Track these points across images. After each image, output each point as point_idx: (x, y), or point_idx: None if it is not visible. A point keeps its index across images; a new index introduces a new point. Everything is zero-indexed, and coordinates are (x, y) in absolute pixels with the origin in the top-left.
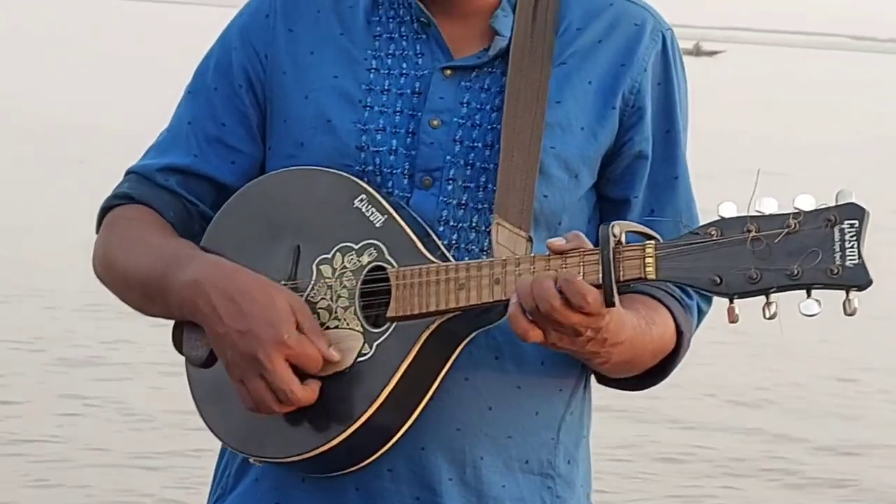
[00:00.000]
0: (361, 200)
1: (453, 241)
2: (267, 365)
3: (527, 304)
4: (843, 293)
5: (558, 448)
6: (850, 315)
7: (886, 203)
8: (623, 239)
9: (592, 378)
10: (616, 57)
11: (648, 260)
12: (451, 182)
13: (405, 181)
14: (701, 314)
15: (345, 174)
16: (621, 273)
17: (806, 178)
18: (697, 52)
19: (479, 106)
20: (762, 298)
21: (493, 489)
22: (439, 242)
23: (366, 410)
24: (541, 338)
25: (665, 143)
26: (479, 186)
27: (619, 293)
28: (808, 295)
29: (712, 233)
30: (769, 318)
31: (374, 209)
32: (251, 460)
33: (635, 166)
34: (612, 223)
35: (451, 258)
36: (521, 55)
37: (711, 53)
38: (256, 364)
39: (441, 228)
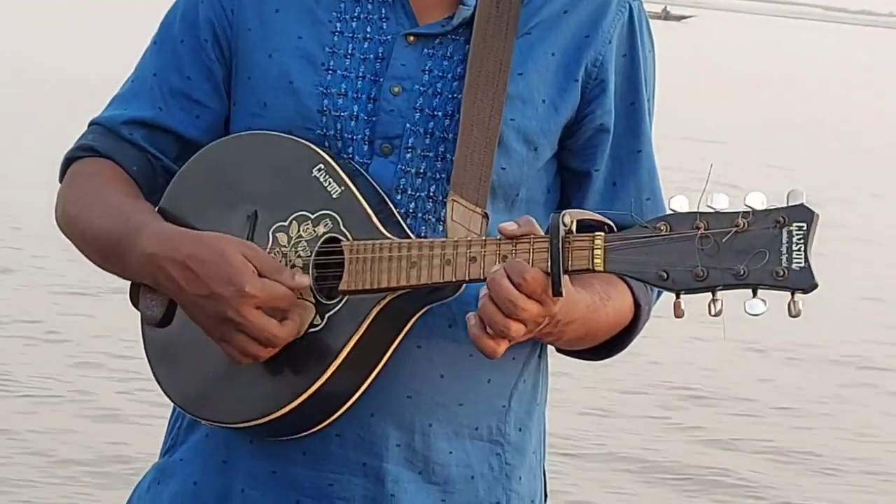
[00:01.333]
0: (320, 170)
1: (410, 210)
2: (239, 320)
3: (490, 315)
4: (788, 294)
5: (509, 415)
6: (794, 317)
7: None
8: (574, 228)
9: (550, 347)
10: (580, 28)
11: (597, 252)
12: (409, 150)
13: (365, 147)
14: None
15: (304, 141)
16: (570, 263)
17: (762, 157)
18: (666, 16)
19: (440, 74)
20: (708, 295)
21: (440, 455)
22: (396, 212)
23: (314, 382)
24: (507, 345)
25: (629, 116)
26: (437, 156)
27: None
28: (754, 294)
29: (661, 228)
30: (714, 315)
31: (331, 179)
32: (203, 423)
33: (597, 139)
34: (564, 212)
35: (406, 228)
36: (486, 25)
37: (680, 18)
38: (230, 322)
39: (398, 197)
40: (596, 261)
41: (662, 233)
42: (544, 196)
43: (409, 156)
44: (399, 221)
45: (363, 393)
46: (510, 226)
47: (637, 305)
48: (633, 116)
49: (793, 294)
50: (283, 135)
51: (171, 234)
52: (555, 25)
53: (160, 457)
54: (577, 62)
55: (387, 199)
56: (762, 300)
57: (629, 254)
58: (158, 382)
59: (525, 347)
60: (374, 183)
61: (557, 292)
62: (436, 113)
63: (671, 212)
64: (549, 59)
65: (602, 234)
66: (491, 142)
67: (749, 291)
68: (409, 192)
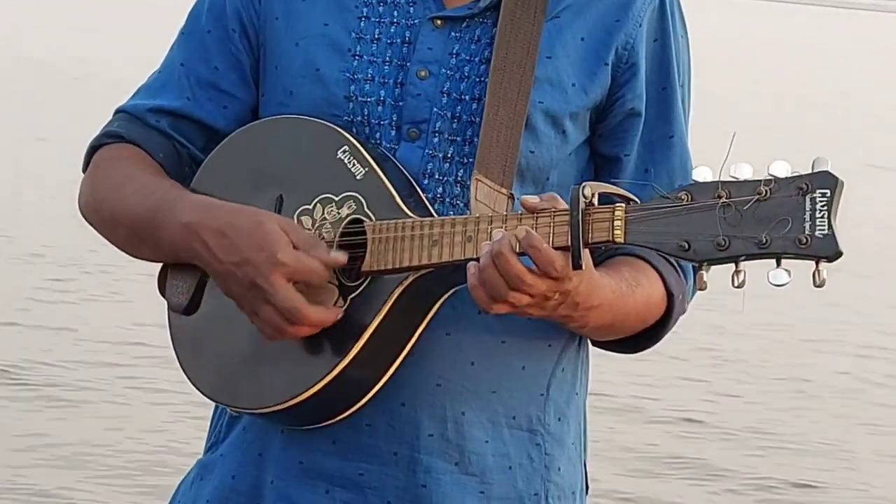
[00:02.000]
0: (344, 152)
1: (438, 195)
2: (267, 288)
3: (492, 283)
4: (812, 263)
5: (548, 404)
6: (818, 286)
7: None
8: (596, 200)
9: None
10: (611, 12)
11: (617, 223)
12: (436, 135)
13: (392, 132)
14: (695, 276)
15: (330, 124)
16: (590, 236)
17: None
18: None
19: (468, 58)
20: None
21: (476, 444)
22: (423, 196)
23: (336, 365)
24: (506, 310)
25: (660, 101)
26: (465, 140)
27: (594, 255)
28: (778, 264)
29: (682, 197)
30: (737, 287)
31: (355, 161)
32: (229, 410)
33: (627, 124)
34: (584, 184)
35: (433, 212)
36: (514, 7)
37: None
38: (259, 291)
39: (426, 181)
40: (616, 232)
41: (683, 202)
42: (577, 182)
43: (436, 140)
44: (426, 205)
45: (390, 380)
46: (532, 199)
47: (669, 295)
48: (665, 102)
49: (817, 263)
50: (308, 118)
51: (208, 203)
52: (584, 9)
53: (203, 454)
54: (606, 46)
55: (414, 184)
56: (786, 270)
57: (650, 225)
58: (183, 370)
59: (562, 335)
60: (401, 167)
61: (577, 265)
62: (463, 97)
63: (692, 182)
64: (578, 43)
65: (623, 205)
66: (518, 124)
67: (774, 262)
68: (437, 176)
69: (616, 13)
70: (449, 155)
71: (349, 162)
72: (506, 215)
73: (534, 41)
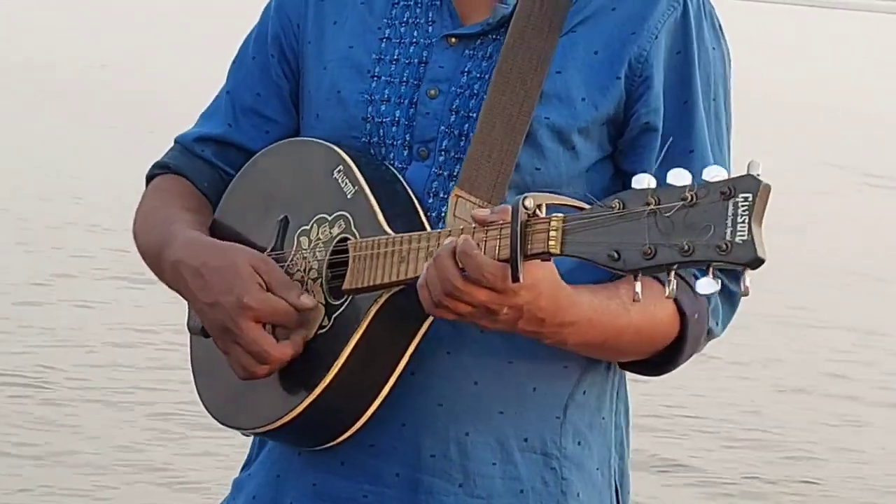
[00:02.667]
0: (339, 171)
1: (443, 214)
2: (235, 331)
3: (431, 284)
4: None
5: (565, 428)
6: (743, 295)
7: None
8: (542, 212)
9: None
10: (626, 24)
11: (553, 234)
12: (443, 153)
13: (405, 152)
14: (731, 295)
15: (329, 144)
16: (529, 247)
17: None
18: None
19: (478, 75)
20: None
21: (482, 466)
22: (422, 215)
23: (319, 384)
24: (450, 315)
25: (681, 115)
26: None
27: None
28: (706, 272)
29: (614, 205)
30: (667, 298)
31: (347, 180)
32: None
33: (643, 139)
34: (526, 195)
35: (429, 231)
36: (525, 22)
37: None
38: (229, 333)
39: (430, 200)
40: (551, 243)
41: (615, 211)
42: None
43: (442, 158)
44: (422, 223)
45: (388, 399)
46: (482, 212)
47: (682, 314)
48: (686, 116)
49: (743, 270)
50: (311, 139)
51: (195, 242)
52: (600, 22)
53: (239, 472)
54: (620, 59)
55: (416, 203)
56: (716, 279)
57: (585, 235)
58: (197, 391)
59: (581, 358)
60: (406, 186)
61: (515, 278)
62: (471, 114)
63: (631, 189)
64: (591, 57)
65: (561, 215)
66: (515, 140)
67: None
68: (442, 195)
69: (632, 25)
70: (455, 173)
71: (342, 181)
72: (462, 228)
73: (544, 57)
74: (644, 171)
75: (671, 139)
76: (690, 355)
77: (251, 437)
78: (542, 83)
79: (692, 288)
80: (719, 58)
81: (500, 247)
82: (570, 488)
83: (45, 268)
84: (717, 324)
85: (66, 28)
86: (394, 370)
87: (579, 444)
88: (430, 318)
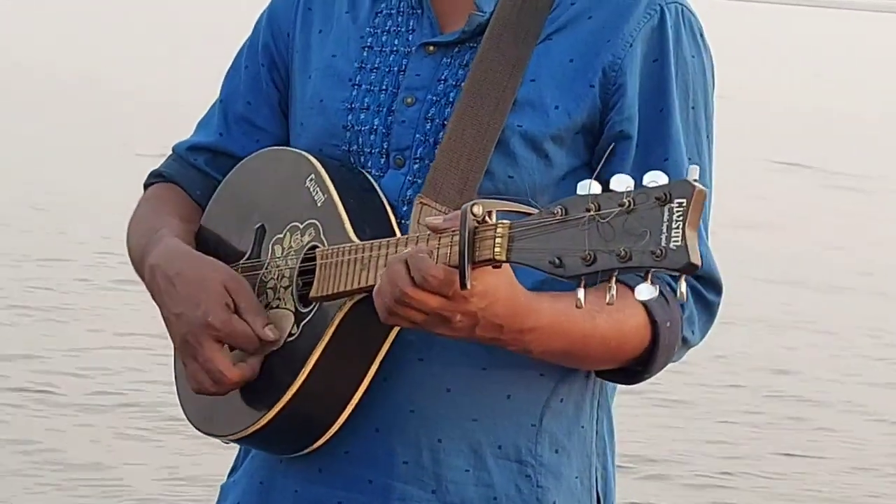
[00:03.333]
0: (311, 180)
1: None
2: (195, 346)
3: (383, 291)
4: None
5: (541, 435)
6: (679, 301)
7: None
8: (492, 218)
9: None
10: (602, 32)
11: (499, 240)
12: (417, 161)
13: (382, 160)
14: (708, 304)
15: (301, 152)
16: (476, 254)
17: None
18: None
19: (454, 83)
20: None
21: (455, 473)
22: (394, 223)
23: (288, 390)
24: (404, 323)
25: (657, 123)
26: None
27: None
28: (645, 278)
29: (556, 212)
30: (608, 304)
31: (318, 188)
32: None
33: (618, 147)
34: (475, 201)
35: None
36: (502, 31)
37: None
38: (188, 346)
39: (405, 208)
40: (497, 250)
41: (557, 217)
42: None
43: (416, 166)
44: (393, 231)
45: (362, 406)
46: (435, 219)
47: (654, 322)
48: (662, 124)
49: (680, 276)
50: (286, 148)
51: (174, 250)
52: (576, 30)
53: (226, 477)
54: (593, 67)
55: (388, 211)
56: (653, 285)
57: (529, 242)
58: (179, 400)
59: (558, 366)
60: (381, 195)
61: (463, 285)
62: (446, 122)
63: (574, 195)
64: (566, 65)
65: (507, 222)
66: (486, 147)
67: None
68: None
69: (607, 33)
70: None
71: (313, 190)
72: (417, 236)
73: (518, 64)
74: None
75: (647, 147)
76: (665, 364)
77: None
78: (515, 91)
79: (664, 296)
80: (699, 66)
81: (451, 254)
82: (547, 496)
83: None
84: (693, 332)
85: (51, 34)
86: (365, 376)
87: (556, 452)
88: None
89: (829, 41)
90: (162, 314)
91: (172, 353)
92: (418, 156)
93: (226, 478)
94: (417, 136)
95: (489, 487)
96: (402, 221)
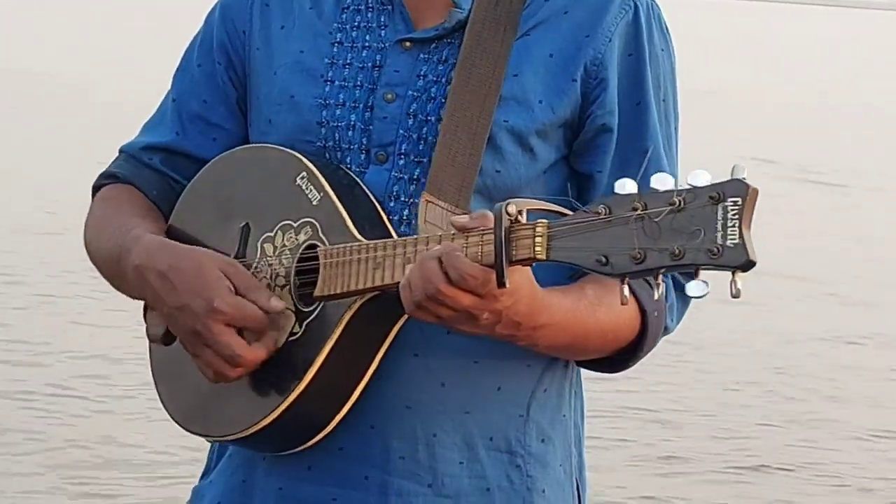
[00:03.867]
0: (303, 178)
1: (404, 217)
2: (206, 335)
3: (414, 285)
4: (728, 274)
5: (528, 425)
6: (734, 297)
7: None
8: (524, 217)
9: None
10: (580, 28)
11: (538, 239)
12: (402, 157)
13: (362, 156)
14: (682, 291)
15: (289, 150)
16: (514, 253)
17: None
18: None
19: (434, 79)
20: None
21: (450, 466)
22: (385, 219)
23: (290, 393)
24: (430, 318)
25: (634, 116)
26: (431, 161)
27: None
28: (696, 276)
29: (600, 211)
30: (656, 300)
31: (312, 187)
32: (206, 439)
33: (599, 140)
34: (509, 201)
35: (394, 236)
36: (481, 27)
37: None
38: (198, 336)
39: (392, 204)
40: (537, 248)
41: (601, 216)
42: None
43: (401, 162)
44: (387, 228)
45: (358, 403)
46: (461, 218)
47: (643, 312)
48: (640, 117)
49: (733, 273)
50: (271, 146)
51: (157, 246)
52: (554, 26)
53: (198, 480)
54: (575, 62)
55: (378, 207)
56: (704, 281)
57: (570, 240)
58: (160, 399)
59: (541, 355)
60: (367, 191)
61: (501, 283)
62: (429, 118)
63: (612, 194)
64: (547, 60)
65: (545, 221)
66: (478, 143)
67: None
68: (403, 198)
69: (586, 29)
70: (415, 177)
71: (306, 188)
72: (440, 235)
73: (500, 60)
74: (600, 172)
75: (627, 139)
76: (647, 352)
77: (213, 444)
78: (500, 86)
79: (650, 285)
80: (667, 59)
81: (482, 253)
82: (536, 485)
83: None
84: (673, 320)
85: (31, 36)
86: (364, 374)
87: (543, 441)
88: (401, 323)
89: (812, 39)
90: (160, 312)
91: (148, 353)
92: (403, 151)
93: (198, 480)
94: (401, 131)
95: (482, 479)
96: (391, 217)
